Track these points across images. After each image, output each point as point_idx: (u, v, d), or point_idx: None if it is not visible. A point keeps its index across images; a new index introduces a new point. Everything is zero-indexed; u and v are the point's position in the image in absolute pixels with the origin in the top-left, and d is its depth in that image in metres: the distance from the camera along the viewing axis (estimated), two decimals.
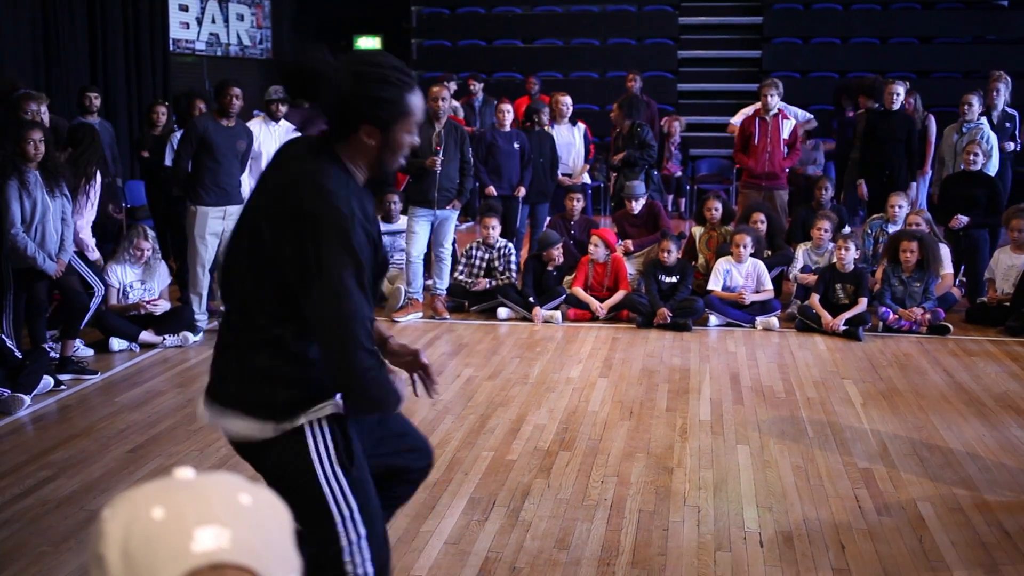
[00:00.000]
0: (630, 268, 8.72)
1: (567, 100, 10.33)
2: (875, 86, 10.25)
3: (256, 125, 8.23)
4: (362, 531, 2.62)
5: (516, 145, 9.46)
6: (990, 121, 9.70)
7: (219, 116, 7.54)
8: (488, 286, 8.48)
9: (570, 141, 10.41)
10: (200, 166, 7.45)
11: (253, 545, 1.05)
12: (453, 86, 11.76)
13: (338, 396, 2.65)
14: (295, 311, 2.54)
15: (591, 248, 8.45)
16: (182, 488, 1.08)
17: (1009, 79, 10.02)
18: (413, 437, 3.10)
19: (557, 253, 8.50)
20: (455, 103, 11.80)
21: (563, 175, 10.23)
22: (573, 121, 10.50)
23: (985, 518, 4.38)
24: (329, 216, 2.46)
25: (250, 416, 2.58)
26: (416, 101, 2.63)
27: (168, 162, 8.54)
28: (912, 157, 9.70)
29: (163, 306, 7.45)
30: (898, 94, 9.56)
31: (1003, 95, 9.88)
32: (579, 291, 8.39)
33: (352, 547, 2.61)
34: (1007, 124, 9.89)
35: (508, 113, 9.61)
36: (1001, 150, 9.66)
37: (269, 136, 8.30)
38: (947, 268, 8.39)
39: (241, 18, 15.01)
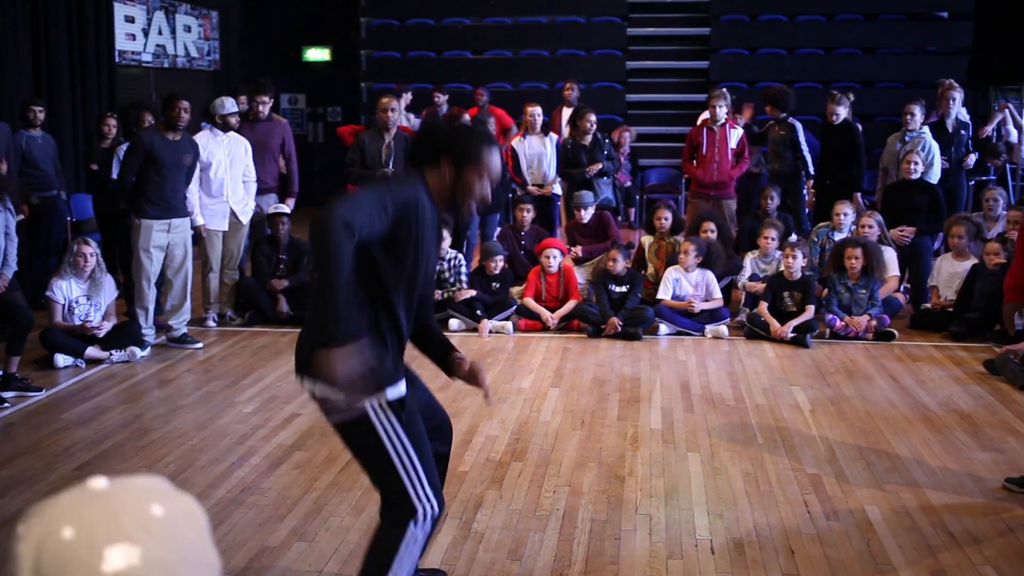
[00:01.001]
0: (580, 278, 8.76)
1: (536, 110, 10.18)
2: (779, 95, 10.31)
3: (204, 137, 8.15)
4: (420, 469, 3.12)
5: None
6: (944, 129, 9.84)
7: (166, 129, 7.47)
8: (440, 297, 8.47)
9: (541, 151, 10.25)
10: (145, 180, 7.38)
11: (164, 560, 1.05)
12: (409, 97, 11.76)
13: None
14: (369, 297, 3.06)
15: (544, 260, 8.46)
16: (93, 502, 1.07)
17: (960, 88, 10.14)
18: (439, 418, 3.62)
19: (494, 264, 8.48)
20: (411, 115, 11.79)
21: (534, 185, 10.16)
22: (544, 131, 10.40)
23: (931, 521, 4.45)
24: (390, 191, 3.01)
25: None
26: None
27: (115, 175, 8.45)
28: (856, 166, 9.86)
29: (107, 328, 7.33)
30: (837, 114, 9.74)
31: (957, 103, 9.97)
32: (530, 301, 8.41)
33: (415, 485, 3.12)
34: (962, 132, 9.97)
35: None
36: (953, 160, 9.76)
37: (218, 146, 8.22)
38: (893, 271, 8.51)
39: (188, 30, 14.88)
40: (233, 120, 8.30)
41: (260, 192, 8.84)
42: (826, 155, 9.84)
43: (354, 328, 2.92)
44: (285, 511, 4.55)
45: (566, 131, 11.08)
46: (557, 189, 10.26)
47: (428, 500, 3.15)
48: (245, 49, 16.50)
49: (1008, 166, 10.50)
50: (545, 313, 8.29)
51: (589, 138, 10.04)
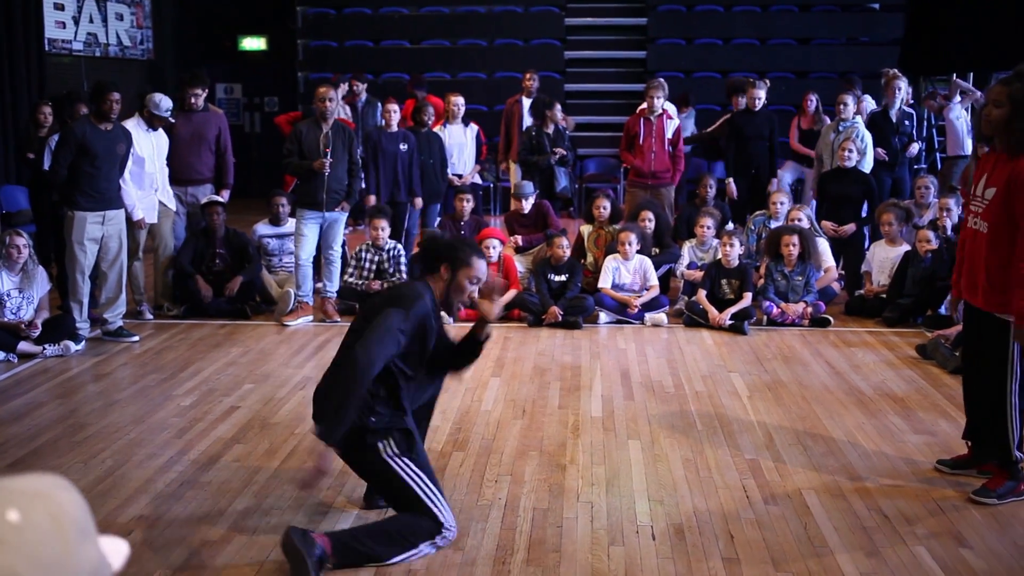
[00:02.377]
0: (519, 267, 8.77)
1: (459, 100, 10.39)
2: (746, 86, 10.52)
3: (132, 125, 7.99)
4: (440, 497, 4.02)
5: (404, 146, 9.44)
6: (888, 119, 9.98)
7: (98, 120, 7.34)
8: (380, 288, 8.43)
9: (462, 141, 10.47)
10: (79, 171, 7.25)
11: (15, 569, 1.03)
12: (345, 87, 11.67)
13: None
14: (393, 377, 4.05)
15: (484, 251, 8.43)
16: None
17: (906, 78, 10.24)
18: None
19: None
20: (346, 106, 11.71)
21: (453, 175, 10.27)
22: (465, 122, 10.54)
23: (866, 503, 4.53)
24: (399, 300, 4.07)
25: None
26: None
27: (47, 166, 8.29)
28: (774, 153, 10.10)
29: (40, 323, 7.18)
30: (759, 98, 9.91)
31: (902, 92, 10.07)
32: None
33: (441, 511, 3.99)
34: (906, 122, 10.09)
35: (395, 113, 9.58)
36: (896, 150, 9.90)
37: (146, 139, 8.09)
38: (828, 262, 8.64)
39: (120, 18, 14.63)
40: (158, 124, 8.18)
41: (195, 183, 8.73)
42: (751, 143, 10.02)
43: (340, 433, 3.85)
44: (225, 505, 4.50)
45: (528, 120, 11.18)
46: (476, 178, 10.46)
47: (452, 525, 3.99)
48: (179, 38, 16.25)
49: (938, 155, 10.70)
50: (486, 306, 8.27)
51: (553, 127, 10.36)
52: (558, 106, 10.39)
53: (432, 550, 3.93)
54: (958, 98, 9.95)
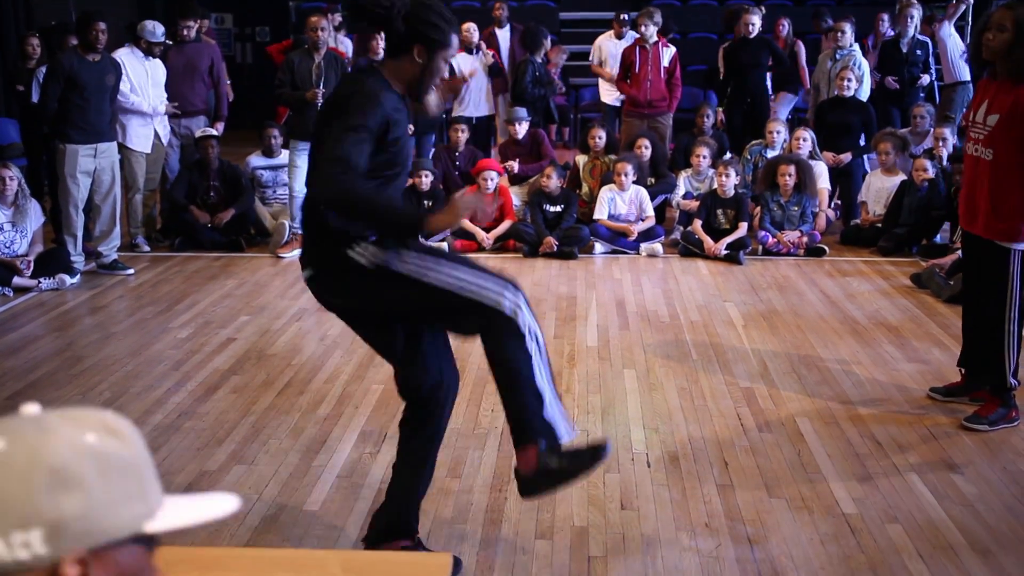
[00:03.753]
0: (515, 198, 8.74)
1: (471, 27, 10.13)
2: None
3: (126, 57, 7.89)
4: (468, 277, 3.14)
5: None
6: (899, 48, 9.84)
7: (85, 51, 7.25)
8: None
9: (476, 68, 10.21)
10: (68, 104, 7.18)
11: None
12: (338, 18, 11.49)
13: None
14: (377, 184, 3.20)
15: (481, 182, 8.39)
16: None
17: (920, 6, 10.05)
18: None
19: (422, 178, 8.38)
20: (343, 37, 11.53)
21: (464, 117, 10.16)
22: (476, 49, 10.29)
23: (859, 430, 4.57)
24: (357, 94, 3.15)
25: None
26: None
27: (35, 98, 8.21)
28: (776, 81, 9.97)
29: (33, 256, 7.17)
30: (753, 24, 9.71)
31: (915, 22, 9.87)
32: (465, 221, 8.36)
33: (482, 290, 3.12)
34: (918, 51, 9.91)
35: (382, 39, 9.42)
36: (906, 81, 9.78)
37: (140, 67, 8.00)
38: (823, 184, 8.61)
39: None
40: (157, 50, 8.10)
41: (188, 115, 8.65)
42: (746, 71, 9.86)
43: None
44: (223, 435, 4.54)
45: (505, 50, 11.03)
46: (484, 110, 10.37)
47: (501, 292, 3.13)
48: None
49: (935, 83, 10.57)
50: (480, 233, 8.27)
51: (542, 56, 10.45)
52: (548, 35, 10.26)
53: (532, 344, 3.20)
54: (949, 26, 9.78)
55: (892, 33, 10.42)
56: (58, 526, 1.08)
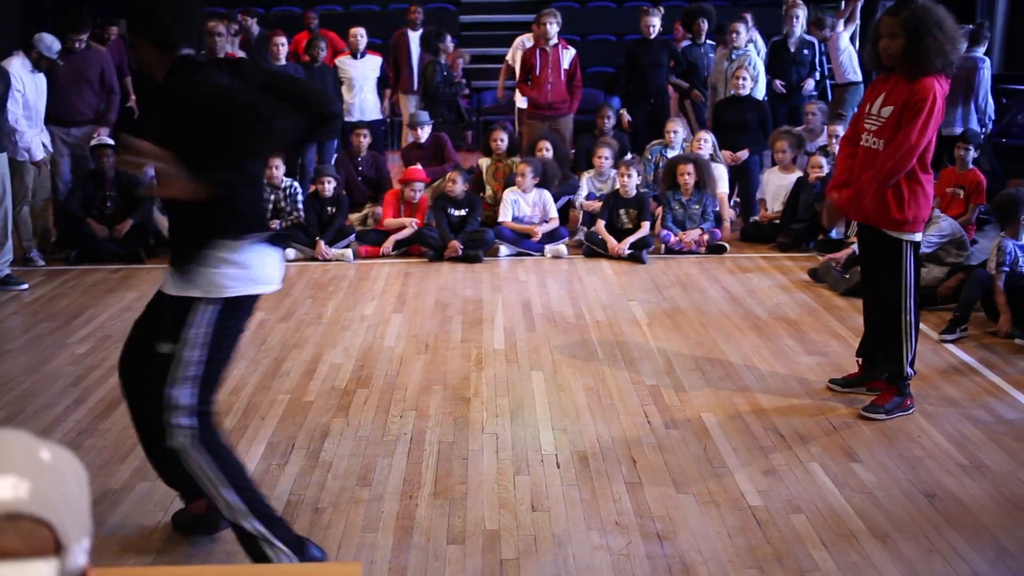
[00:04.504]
0: None
1: (360, 31, 10.19)
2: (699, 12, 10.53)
3: (16, 65, 7.65)
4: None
5: None
6: (786, 48, 10.04)
7: None
8: (278, 227, 8.31)
9: (364, 74, 10.28)
10: None
11: (52, 500, 1.05)
12: (235, 26, 11.34)
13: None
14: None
15: (409, 192, 8.39)
16: None
17: (806, 6, 10.26)
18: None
19: (325, 184, 8.33)
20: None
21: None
22: (362, 54, 10.30)
23: (762, 423, 4.67)
24: None
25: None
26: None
27: None
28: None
29: None
30: (653, 25, 9.87)
31: (800, 21, 10.06)
32: (392, 221, 8.34)
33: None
34: (805, 51, 10.10)
35: (282, 46, 9.38)
36: (794, 81, 9.98)
37: (31, 77, 7.77)
38: (722, 187, 8.77)
39: None
40: (46, 64, 7.87)
41: (78, 124, 8.44)
42: (647, 71, 10.01)
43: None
44: (126, 451, 4.44)
45: (415, 53, 11.05)
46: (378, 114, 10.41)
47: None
48: None
49: (828, 82, 10.83)
50: (408, 220, 8.27)
51: (443, 59, 10.57)
52: (448, 38, 10.33)
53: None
54: (841, 27, 10.04)
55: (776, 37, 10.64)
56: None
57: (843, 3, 10.18)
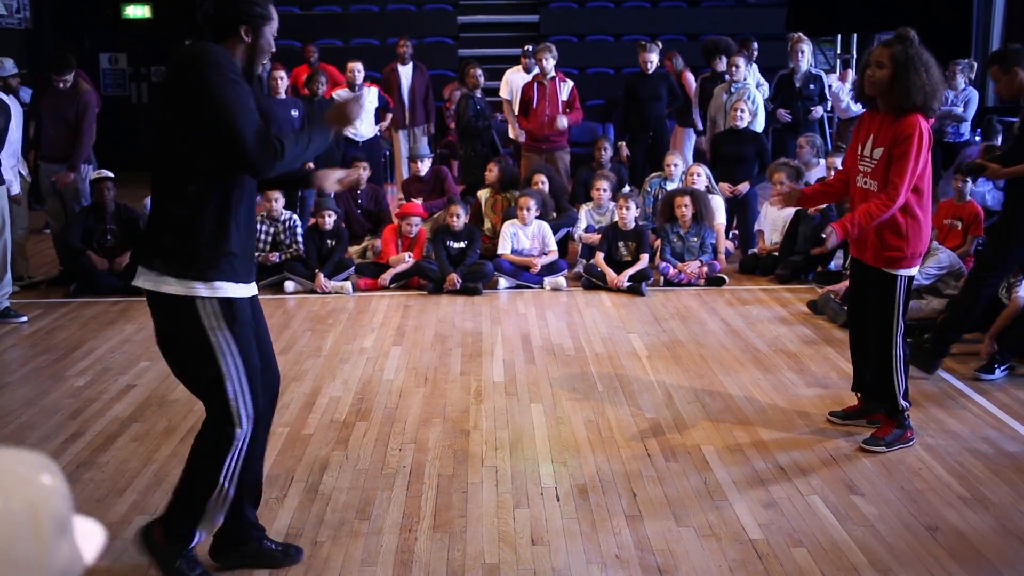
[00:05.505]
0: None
1: (358, 66, 10.27)
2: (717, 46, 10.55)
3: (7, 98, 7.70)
4: (246, 382, 3.36)
5: (294, 112, 9.32)
6: (792, 83, 10.13)
7: None
8: (277, 260, 8.32)
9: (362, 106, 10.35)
10: None
11: None
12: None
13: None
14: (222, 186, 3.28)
15: (406, 227, 8.41)
16: None
17: (810, 41, 10.36)
18: (272, 372, 3.71)
19: (325, 218, 8.34)
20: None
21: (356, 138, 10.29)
22: (357, 87, 10.39)
23: (762, 456, 4.66)
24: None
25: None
26: (275, 12, 3.41)
27: None
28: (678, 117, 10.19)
29: None
30: (651, 61, 9.99)
31: (806, 56, 10.15)
32: (394, 258, 8.37)
33: (239, 398, 3.37)
34: (811, 85, 10.22)
35: (282, 80, 9.44)
36: (800, 113, 10.03)
37: (18, 112, 7.80)
38: (719, 219, 8.79)
39: None
40: (14, 82, 7.96)
41: (54, 160, 8.50)
42: (646, 104, 10.09)
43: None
44: (124, 485, 4.42)
45: (406, 87, 11.11)
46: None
47: (248, 414, 3.40)
48: (58, 6, 15.68)
49: (825, 115, 10.91)
50: (407, 255, 8.26)
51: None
52: (479, 71, 10.48)
53: (242, 451, 3.45)
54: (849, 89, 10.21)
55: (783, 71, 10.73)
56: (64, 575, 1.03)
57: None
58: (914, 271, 4.72)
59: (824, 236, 4.76)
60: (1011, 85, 5.97)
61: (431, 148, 11.20)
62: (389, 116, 10.94)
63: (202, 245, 3.26)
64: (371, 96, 10.50)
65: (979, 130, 10.94)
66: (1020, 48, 6.06)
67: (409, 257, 8.27)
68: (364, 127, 10.42)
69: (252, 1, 3.33)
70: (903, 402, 4.77)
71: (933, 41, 4.97)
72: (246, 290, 3.40)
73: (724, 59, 9.98)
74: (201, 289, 3.27)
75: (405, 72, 11.35)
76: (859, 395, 5.08)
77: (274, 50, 3.44)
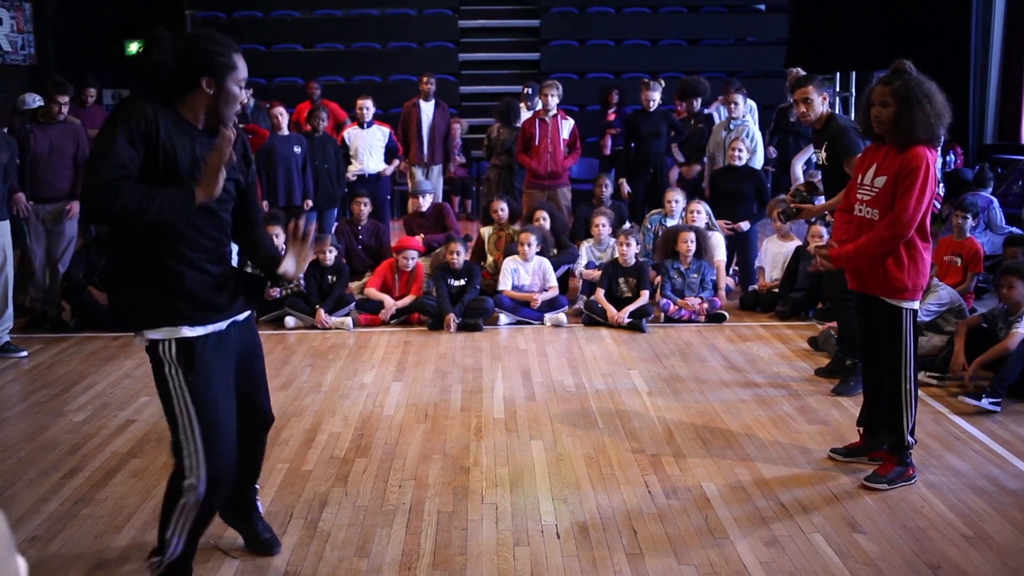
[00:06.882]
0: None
1: (367, 103, 10.35)
2: (691, 86, 10.63)
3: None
4: (199, 435, 3.41)
5: (297, 148, 9.36)
6: (787, 118, 10.19)
7: None
8: (278, 295, 8.33)
9: (372, 144, 10.42)
10: None
11: None
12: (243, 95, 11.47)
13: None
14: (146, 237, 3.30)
15: (402, 261, 8.42)
16: None
17: (745, 90, 10.44)
18: (260, 401, 3.84)
19: (329, 255, 8.35)
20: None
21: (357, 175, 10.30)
22: (369, 124, 10.44)
23: (763, 493, 4.64)
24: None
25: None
26: (241, 61, 3.38)
27: None
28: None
29: None
30: (653, 99, 10.09)
31: (741, 108, 10.13)
32: (372, 291, 8.36)
33: (190, 451, 3.44)
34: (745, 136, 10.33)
35: (283, 116, 9.48)
36: (792, 149, 10.09)
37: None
38: (719, 256, 8.80)
39: (0, 22, 14.17)
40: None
41: (52, 200, 8.27)
42: (647, 141, 10.18)
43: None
44: (123, 521, 4.40)
45: (426, 124, 11.17)
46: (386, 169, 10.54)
47: (199, 474, 3.44)
48: (63, 43, 15.80)
49: None
50: (388, 299, 8.25)
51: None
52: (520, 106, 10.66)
53: (193, 510, 3.49)
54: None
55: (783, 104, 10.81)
56: None
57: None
58: (916, 304, 4.71)
59: (823, 246, 4.84)
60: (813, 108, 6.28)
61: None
62: (396, 161, 10.89)
63: (143, 296, 3.35)
64: (381, 135, 10.51)
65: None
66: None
67: (389, 303, 8.24)
68: (371, 163, 10.43)
69: (212, 52, 3.31)
70: (909, 438, 4.75)
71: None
72: (203, 329, 3.43)
73: (654, 100, 10.13)
74: (156, 334, 3.37)
75: (427, 109, 11.40)
76: (861, 431, 5.06)
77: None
